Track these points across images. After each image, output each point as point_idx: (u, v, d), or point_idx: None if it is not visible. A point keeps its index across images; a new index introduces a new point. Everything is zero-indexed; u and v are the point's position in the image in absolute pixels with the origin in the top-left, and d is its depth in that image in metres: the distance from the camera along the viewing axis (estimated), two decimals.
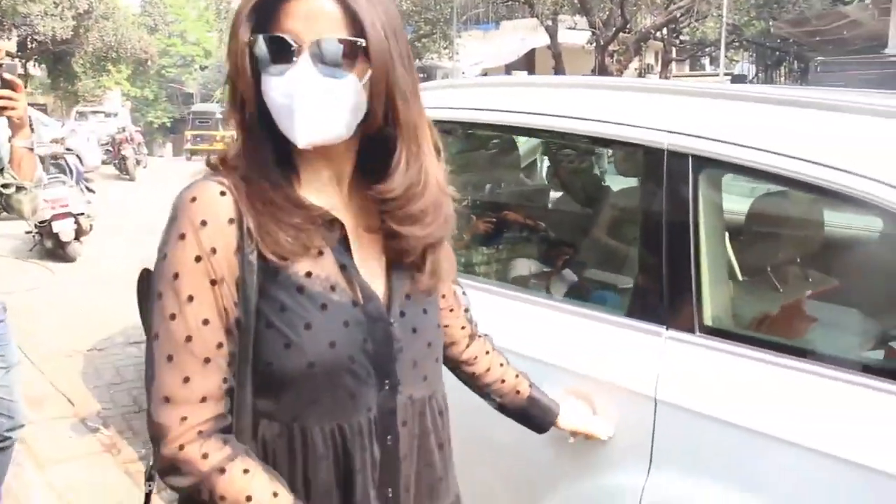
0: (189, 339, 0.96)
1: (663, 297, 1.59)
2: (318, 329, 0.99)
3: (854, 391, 1.34)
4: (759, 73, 21.19)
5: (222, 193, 0.98)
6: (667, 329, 1.58)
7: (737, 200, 1.99)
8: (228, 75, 1.02)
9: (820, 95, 1.64)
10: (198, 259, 0.96)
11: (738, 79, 19.29)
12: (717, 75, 21.34)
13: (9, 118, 2.19)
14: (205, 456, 0.96)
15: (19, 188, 2.27)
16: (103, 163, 18.11)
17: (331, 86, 0.97)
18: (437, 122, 2.23)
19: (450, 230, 1.12)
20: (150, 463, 1.10)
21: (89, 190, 9.20)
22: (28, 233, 8.17)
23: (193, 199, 0.98)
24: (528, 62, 30.93)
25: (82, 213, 7.84)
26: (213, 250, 0.96)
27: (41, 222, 7.43)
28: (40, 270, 7.56)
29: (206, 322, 0.96)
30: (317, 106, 0.96)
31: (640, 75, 28.34)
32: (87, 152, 15.32)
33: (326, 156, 1.04)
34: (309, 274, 1.00)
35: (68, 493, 3.12)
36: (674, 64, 29.23)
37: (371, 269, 1.07)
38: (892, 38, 15.58)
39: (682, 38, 28.71)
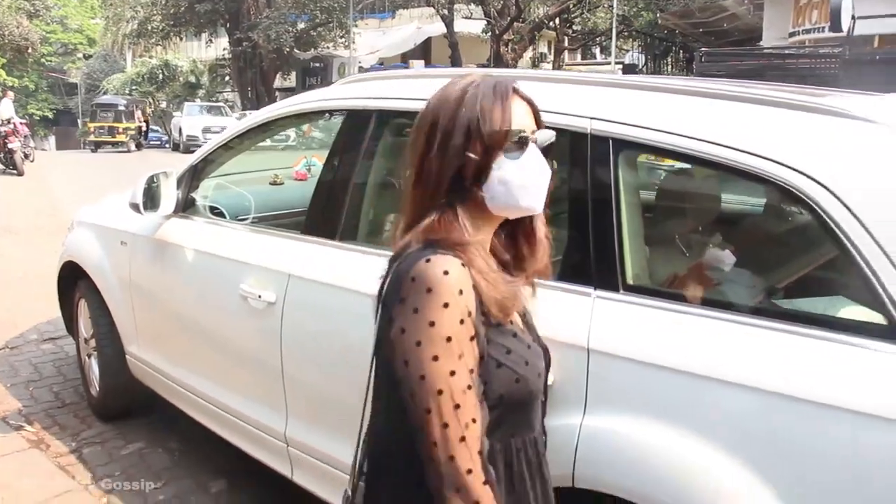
0: (468, 388, 1.17)
1: (591, 263, 1.85)
2: (531, 364, 1.30)
3: (744, 329, 1.63)
4: (647, 62, 22.16)
5: (463, 265, 1.20)
6: (595, 289, 1.83)
7: None
8: (465, 162, 1.25)
9: (715, 87, 1.93)
10: (461, 322, 1.17)
11: (629, 68, 20.10)
12: (609, 64, 22.18)
13: None
14: (484, 481, 1.18)
15: None
16: None
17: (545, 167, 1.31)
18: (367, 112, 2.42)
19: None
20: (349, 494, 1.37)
21: None
22: None
23: (446, 273, 1.17)
24: (424, 51, 31.07)
25: None
26: (469, 313, 1.19)
27: None
28: None
29: (471, 371, 1.18)
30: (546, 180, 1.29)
31: (534, 64, 29.01)
32: None
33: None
34: (512, 322, 1.30)
35: (1, 492, 3.12)
36: (566, 53, 30.07)
37: None
38: (766, 32, 16.66)
39: (574, 27, 29.60)
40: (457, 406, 1.15)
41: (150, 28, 29.99)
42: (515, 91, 1.29)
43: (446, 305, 1.16)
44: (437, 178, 1.25)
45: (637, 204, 1.94)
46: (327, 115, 2.98)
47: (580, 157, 1.91)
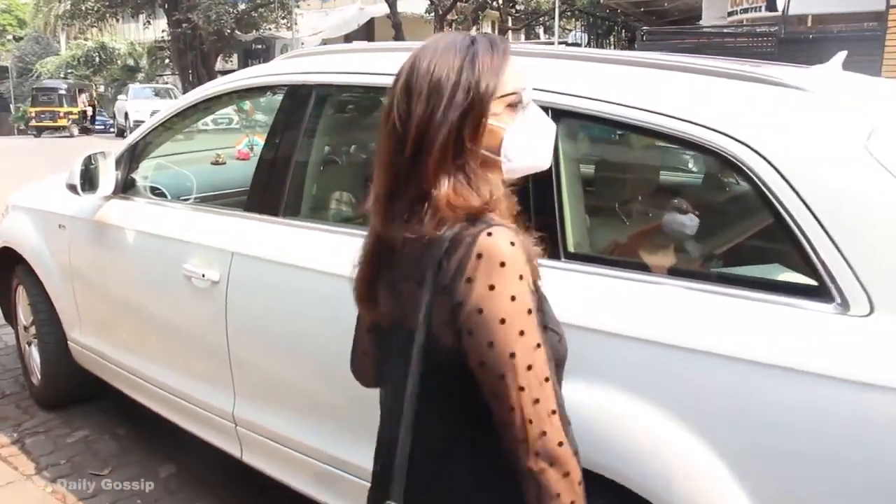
0: (549, 359, 1.15)
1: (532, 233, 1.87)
2: (558, 323, 1.30)
3: (677, 291, 1.68)
4: (590, 41, 22.35)
5: (516, 232, 1.16)
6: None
7: None
8: (474, 123, 1.19)
9: (651, 57, 1.96)
10: (532, 292, 1.15)
11: (572, 47, 20.18)
12: (552, 44, 22.30)
13: None
14: (574, 452, 1.17)
15: None
16: None
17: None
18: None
19: None
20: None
21: None
22: None
23: (512, 244, 1.13)
24: (367, 32, 30.77)
25: None
26: (534, 281, 1.17)
27: None
28: None
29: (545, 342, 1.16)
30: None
31: None
32: None
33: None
34: None
35: None
36: (510, 33, 30.13)
37: None
38: (705, 11, 16.95)
39: (517, 7, 29.67)
40: (545, 379, 1.14)
41: (84, 9, 29.06)
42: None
43: (521, 277, 1.12)
44: (444, 143, 1.16)
45: (578, 175, 1.97)
46: (268, 91, 2.95)
47: None
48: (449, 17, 24.25)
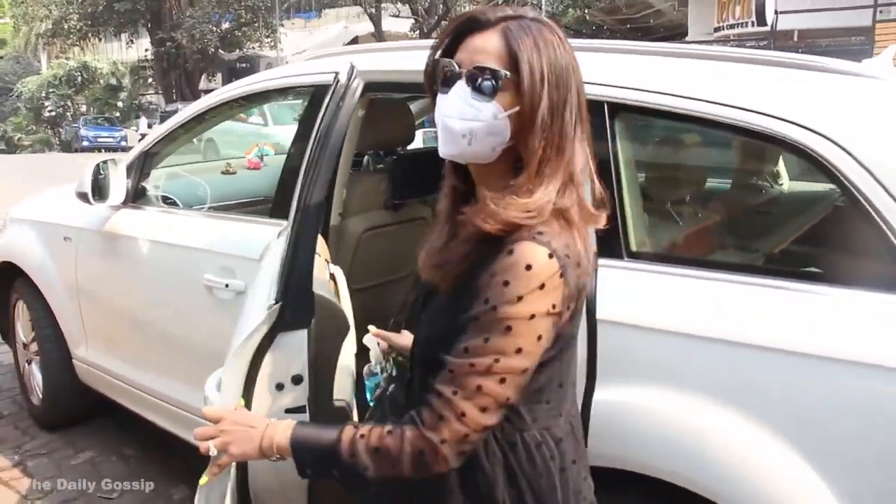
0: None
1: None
2: None
3: (756, 290, 1.58)
4: None
5: None
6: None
7: None
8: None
9: (708, 49, 1.89)
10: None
11: None
12: None
13: None
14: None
15: None
16: None
17: (475, 108, 1.11)
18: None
19: None
20: None
21: None
22: None
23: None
24: None
25: None
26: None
27: None
28: None
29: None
30: (459, 123, 1.12)
31: None
32: None
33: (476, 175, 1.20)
34: None
35: None
36: None
37: None
38: (691, 27, 17.09)
39: None
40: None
41: (66, 28, 28.86)
42: (501, 21, 1.13)
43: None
44: None
45: (636, 173, 1.88)
46: (290, 92, 2.84)
47: None
48: (433, 34, 24.32)
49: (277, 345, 1.55)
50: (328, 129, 1.57)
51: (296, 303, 1.56)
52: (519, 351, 1.07)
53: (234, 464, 1.39)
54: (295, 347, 1.57)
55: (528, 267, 1.05)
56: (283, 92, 2.90)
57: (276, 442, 1.21)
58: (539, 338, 1.08)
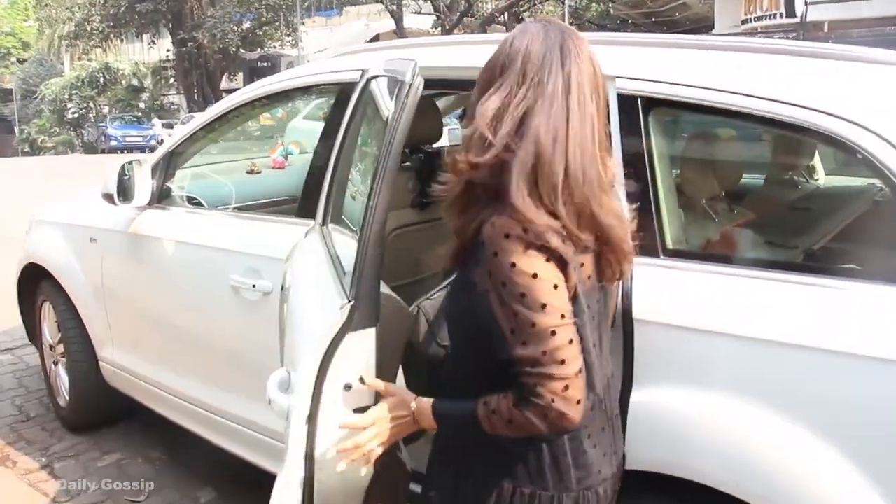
0: None
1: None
2: None
3: (800, 288, 1.55)
4: None
5: None
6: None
7: None
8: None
9: (738, 41, 1.85)
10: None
11: None
12: None
13: None
14: None
15: None
16: None
17: None
18: None
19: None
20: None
21: None
22: None
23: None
24: None
25: None
26: None
27: None
28: None
29: None
30: None
31: None
32: None
33: None
34: None
35: None
36: None
37: None
38: (718, 20, 16.93)
39: (525, 20, 29.70)
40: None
41: (88, 29, 29.18)
42: None
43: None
44: None
45: (670, 166, 1.85)
46: (314, 91, 2.84)
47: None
48: (455, 31, 24.28)
49: (347, 345, 1.55)
50: (394, 129, 1.55)
51: (365, 302, 1.55)
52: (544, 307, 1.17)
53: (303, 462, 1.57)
54: (363, 347, 1.57)
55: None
56: (307, 90, 2.89)
57: (423, 424, 1.39)
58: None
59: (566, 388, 1.16)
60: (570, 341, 1.17)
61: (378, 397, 1.49)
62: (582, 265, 1.23)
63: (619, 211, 1.27)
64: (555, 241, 1.16)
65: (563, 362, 1.15)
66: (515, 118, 1.19)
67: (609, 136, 1.29)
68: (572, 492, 1.31)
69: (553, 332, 1.15)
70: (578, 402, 1.17)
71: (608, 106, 1.30)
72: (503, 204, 1.17)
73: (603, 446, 1.37)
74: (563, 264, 1.18)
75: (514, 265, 1.15)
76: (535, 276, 1.15)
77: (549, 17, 1.24)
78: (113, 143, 27.73)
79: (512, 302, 1.16)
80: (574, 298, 1.22)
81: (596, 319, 1.30)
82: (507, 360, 1.19)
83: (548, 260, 1.16)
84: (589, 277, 1.26)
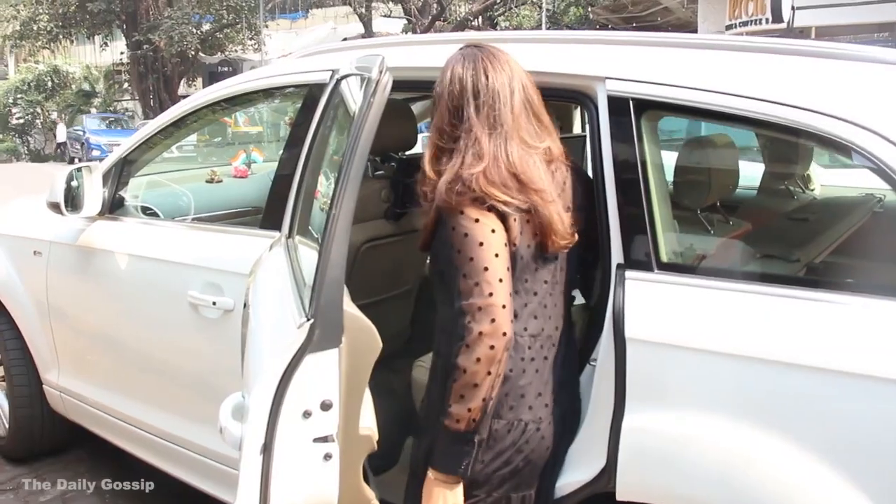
0: None
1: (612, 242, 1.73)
2: None
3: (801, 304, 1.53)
4: None
5: None
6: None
7: None
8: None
9: (729, 39, 1.84)
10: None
11: None
12: None
13: None
14: None
15: None
16: None
17: None
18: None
19: None
20: None
21: None
22: None
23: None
24: None
25: None
26: None
27: None
28: None
29: None
30: None
31: None
32: None
33: None
34: None
35: None
36: None
37: None
38: (701, 25, 17.14)
39: (500, 26, 29.88)
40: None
41: (35, 29, 28.78)
42: None
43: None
44: None
45: (663, 173, 1.83)
46: (280, 93, 2.79)
47: (592, 122, 1.80)
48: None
49: (305, 367, 1.49)
50: (359, 128, 1.50)
51: (326, 320, 1.50)
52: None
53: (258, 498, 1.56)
54: (324, 369, 1.51)
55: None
56: (271, 93, 2.85)
57: (451, 482, 1.56)
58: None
59: (493, 320, 1.46)
60: (500, 280, 1.49)
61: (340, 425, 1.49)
62: (516, 220, 1.57)
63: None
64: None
65: (490, 294, 1.48)
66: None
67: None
68: (502, 419, 1.59)
69: (486, 269, 1.49)
70: (504, 333, 1.47)
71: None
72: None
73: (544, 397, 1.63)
74: (502, 217, 1.55)
75: (462, 212, 1.53)
76: (476, 220, 1.52)
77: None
78: (95, 152, 22.39)
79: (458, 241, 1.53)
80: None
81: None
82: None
83: (489, 209, 1.54)
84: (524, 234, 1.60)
